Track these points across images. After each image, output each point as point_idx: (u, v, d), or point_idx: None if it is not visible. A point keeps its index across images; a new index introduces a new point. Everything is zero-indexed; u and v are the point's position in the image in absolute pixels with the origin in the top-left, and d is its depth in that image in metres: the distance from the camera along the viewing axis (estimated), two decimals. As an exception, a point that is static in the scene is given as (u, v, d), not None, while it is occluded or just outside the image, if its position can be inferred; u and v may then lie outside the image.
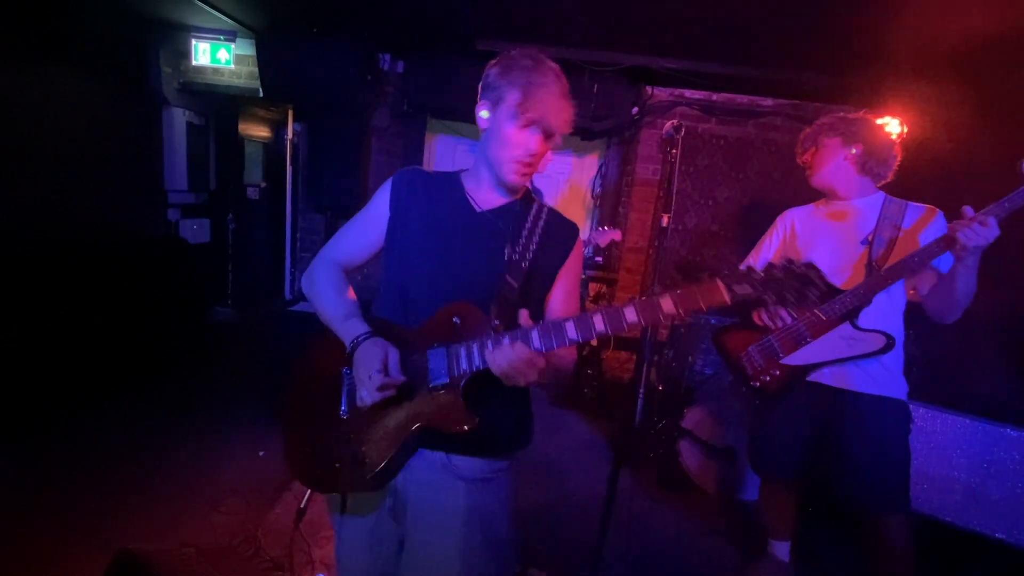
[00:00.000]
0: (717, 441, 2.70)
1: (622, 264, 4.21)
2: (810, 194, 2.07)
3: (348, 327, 1.16)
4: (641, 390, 1.84)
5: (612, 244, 4.37)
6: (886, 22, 2.49)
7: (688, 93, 3.90)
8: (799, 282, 0.96)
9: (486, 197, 1.23)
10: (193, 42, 3.78)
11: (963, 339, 1.85)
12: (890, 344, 1.77)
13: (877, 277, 1.75)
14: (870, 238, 1.82)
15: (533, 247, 1.18)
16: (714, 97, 3.90)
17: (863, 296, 1.77)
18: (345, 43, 3.50)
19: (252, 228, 5.24)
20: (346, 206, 4.00)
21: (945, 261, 1.70)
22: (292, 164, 4.52)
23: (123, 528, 2.19)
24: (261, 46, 3.58)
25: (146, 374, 3.65)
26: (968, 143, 2.95)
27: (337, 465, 1.12)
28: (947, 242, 1.61)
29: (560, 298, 1.25)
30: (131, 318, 3.73)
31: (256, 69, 3.68)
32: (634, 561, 2.32)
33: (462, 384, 1.07)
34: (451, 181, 1.27)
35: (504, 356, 0.99)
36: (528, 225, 1.21)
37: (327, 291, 1.25)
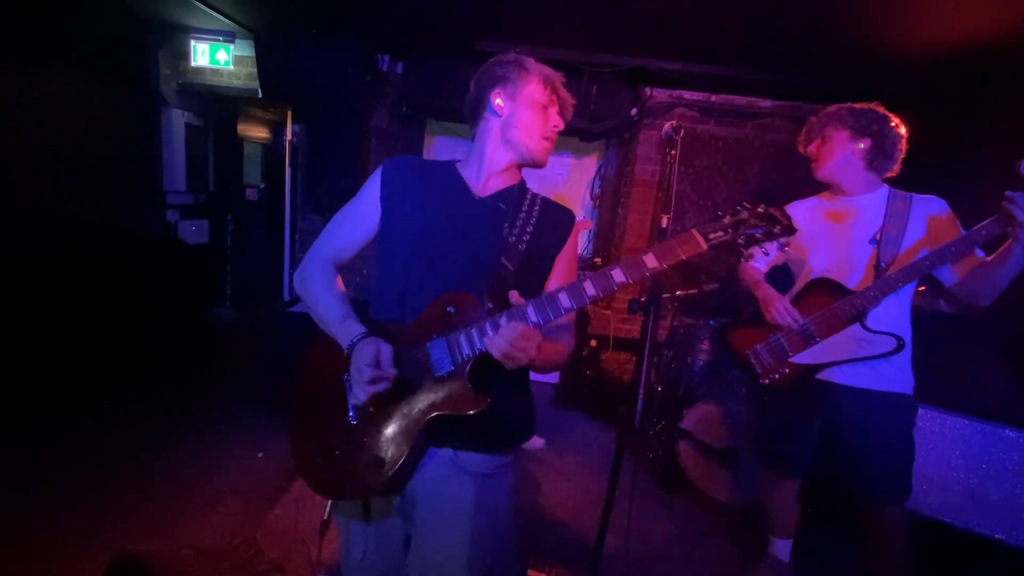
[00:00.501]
0: (716, 442, 2.70)
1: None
2: (810, 191, 2.05)
3: (344, 330, 1.16)
4: (641, 391, 1.84)
5: (587, 235, 4.43)
6: (884, 23, 2.50)
7: (687, 94, 3.91)
8: (764, 220, 1.05)
9: (485, 184, 1.24)
10: (192, 43, 3.78)
11: (961, 339, 1.85)
12: (900, 347, 1.77)
13: (888, 279, 1.73)
14: (878, 237, 1.80)
15: (530, 230, 1.20)
16: (713, 98, 3.91)
17: (873, 299, 1.76)
18: (344, 44, 3.50)
19: (251, 229, 5.23)
20: (345, 207, 4.00)
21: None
22: (291, 165, 4.52)
23: (122, 529, 2.18)
24: (260, 47, 3.58)
25: (145, 375, 3.64)
26: (967, 144, 2.96)
27: (353, 471, 1.12)
28: (1001, 223, 1.56)
29: (558, 285, 1.26)
30: (130, 318, 3.72)
31: (255, 70, 3.68)
32: (633, 562, 2.32)
33: (467, 369, 1.08)
34: (446, 169, 1.28)
35: (503, 336, 1.01)
36: (525, 209, 1.23)
37: (321, 292, 1.24)
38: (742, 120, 3.94)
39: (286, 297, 4.70)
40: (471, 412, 1.06)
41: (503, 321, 1.04)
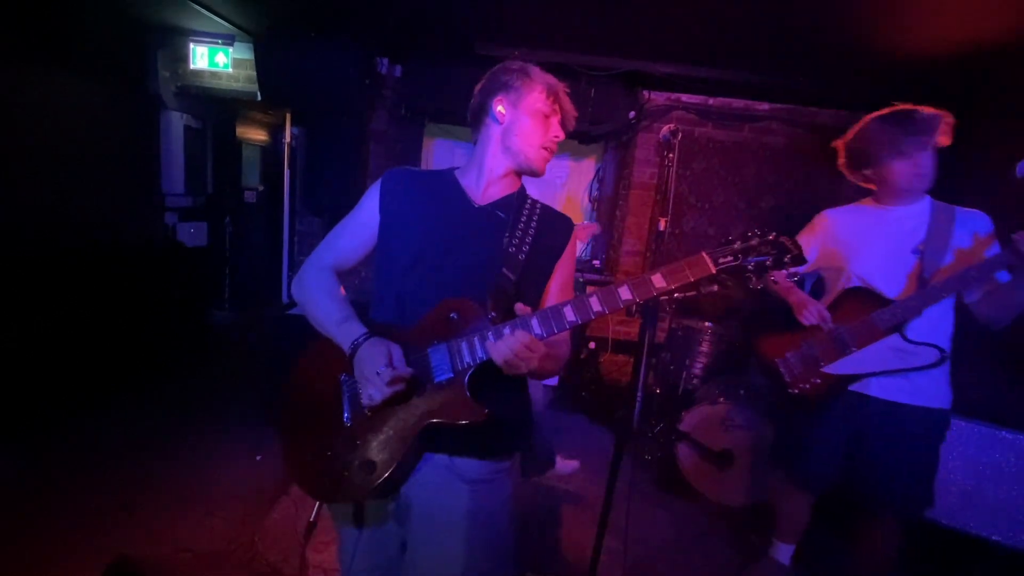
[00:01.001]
0: (714, 444, 2.70)
1: (619, 267, 4.22)
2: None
3: (345, 330, 1.15)
4: (639, 393, 1.83)
5: (594, 238, 4.37)
6: (883, 26, 2.51)
7: (685, 97, 3.92)
8: (774, 249, 1.05)
9: (484, 192, 1.24)
10: (191, 46, 3.78)
11: (958, 341, 1.85)
12: (943, 359, 1.72)
13: (931, 290, 1.69)
14: (921, 248, 1.75)
15: (529, 239, 1.20)
16: (710, 101, 3.92)
17: (914, 309, 1.71)
18: (343, 47, 3.50)
19: (249, 231, 5.23)
20: (343, 210, 4.00)
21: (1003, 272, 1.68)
22: (290, 168, 4.52)
23: (120, 531, 2.18)
24: (259, 50, 3.58)
25: (143, 376, 3.64)
26: (967, 144, 2.97)
27: (345, 474, 1.10)
28: (1015, 255, 1.57)
29: (557, 291, 1.27)
30: (128, 320, 3.72)
31: (254, 73, 3.68)
32: (632, 564, 2.32)
33: (466, 378, 1.08)
34: (445, 178, 1.28)
35: (507, 344, 1.01)
36: (524, 218, 1.23)
37: (320, 296, 1.24)
38: (740, 123, 3.96)
39: (284, 299, 4.70)
40: (467, 422, 1.06)
41: (507, 331, 1.04)
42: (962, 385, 1.84)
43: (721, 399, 2.75)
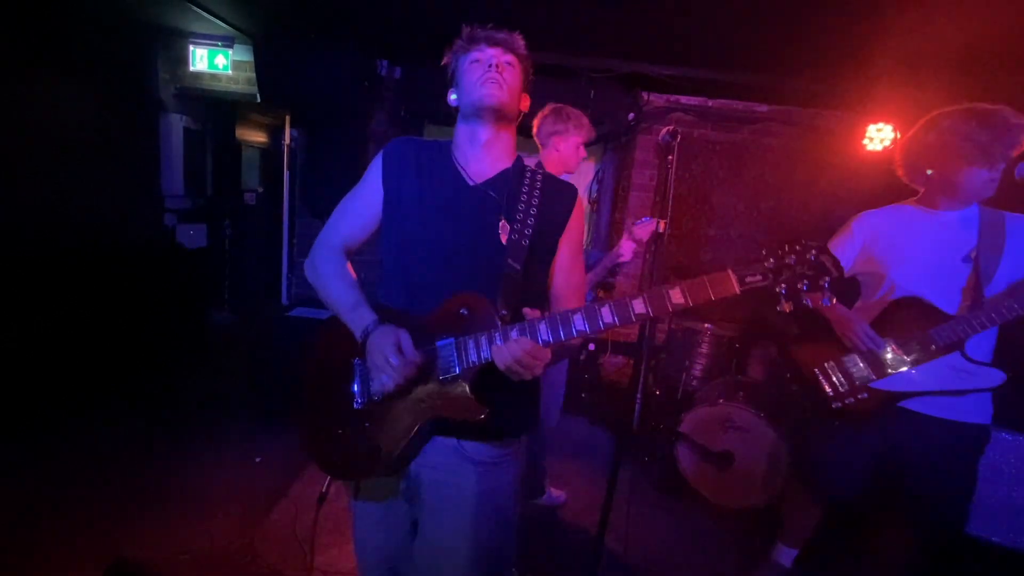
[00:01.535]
0: (714, 446, 2.70)
1: (619, 269, 4.22)
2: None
3: (357, 317, 1.17)
4: (639, 395, 1.83)
5: (656, 237, 4.29)
6: (880, 27, 2.51)
7: (684, 99, 3.93)
8: (812, 270, 0.94)
9: (477, 169, 1.22)
10: (191, 48, 3.79)
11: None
12: (1007, 382, 1.59)
13: (1006, 306, 1.54)
14: (973, 255, 1.61)
15: (531, 221, 1.17)
16: (709, 103, 3.93)
17: (979, 326, 1.57)
18: (343, 49, 3.51)
19: (249, 233, 5.23)
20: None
21: None
22: (289, 169, 4.53)
23: (119, 532, 2.17)
24: (259, 52, 3.59)
25: (143, 378, 3.64)
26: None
27: (353, 453, 1.15)
28: None
29: (564, 268, 1.25)
30: (128, 321, 3.72)
31: (254, 75, 3.69)
32: (632, 566, 2.32)
33: (471, 376, 1.08)
34: (443, 152, 1.26)
35: (510, 351, 1.01)
36: (524, 195, 1.20)
37: (331, 281, 1.24)
38: (739, 124, 3.96)
39: (284, 301, 4.70)
40: (469, 419, 1.07)
41: (513, 334, 1.04)
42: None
43: (721, 400, 2.74)
